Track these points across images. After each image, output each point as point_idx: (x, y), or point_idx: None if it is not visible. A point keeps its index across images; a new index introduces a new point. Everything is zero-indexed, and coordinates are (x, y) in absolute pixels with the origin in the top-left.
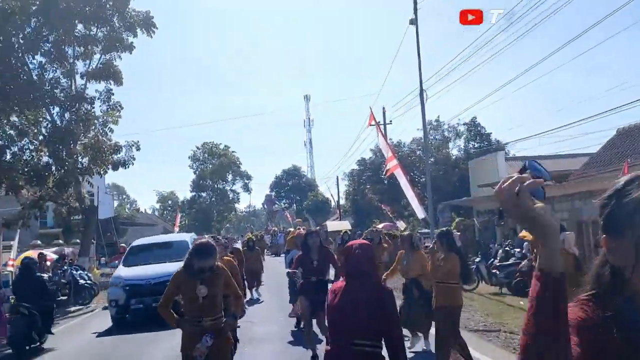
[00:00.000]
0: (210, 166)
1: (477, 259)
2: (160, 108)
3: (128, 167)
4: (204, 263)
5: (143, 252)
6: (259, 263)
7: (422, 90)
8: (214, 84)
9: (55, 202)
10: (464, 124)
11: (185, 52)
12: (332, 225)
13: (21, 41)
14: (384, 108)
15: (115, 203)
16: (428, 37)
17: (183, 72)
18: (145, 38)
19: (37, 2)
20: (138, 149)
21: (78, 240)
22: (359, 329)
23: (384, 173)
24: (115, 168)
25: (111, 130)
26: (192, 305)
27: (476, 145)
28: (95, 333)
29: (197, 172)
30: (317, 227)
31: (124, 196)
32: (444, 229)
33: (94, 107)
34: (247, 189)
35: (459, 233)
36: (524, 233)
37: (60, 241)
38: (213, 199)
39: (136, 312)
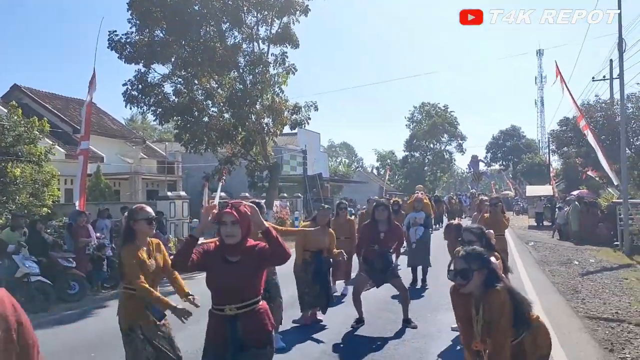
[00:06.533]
0: (426, 126)
1: None
2: (365, 66)
3: (303, 126)
4: None
5: None
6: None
7: (620, 40)
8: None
9: (244, 159)
10: None
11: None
12: (532, 189)
13: (205, 11)
14: (611, 61)
15: (338, 161)
16: None
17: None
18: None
19: None
20: (316, 109)
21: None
22: None
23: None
24: (292, 127)
25: (282, 91)
26: None
27: None
28: None
29: (412, 132)
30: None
31: (353, 155)
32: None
33: (268, 70)
34: (461, 149)
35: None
36: None
37: (247, 194)
38: (426, 158)
39: None
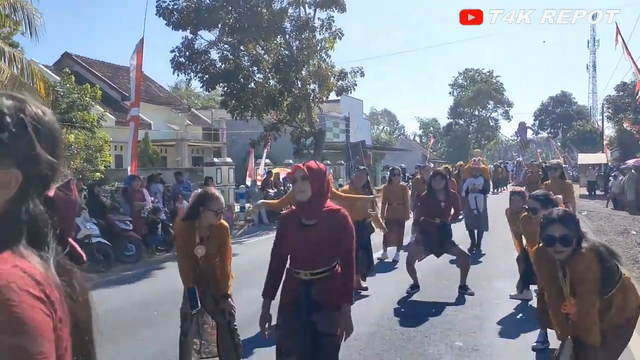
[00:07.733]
0: (471, 93)
1: None
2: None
3: (349, 93)
4: None
5: None
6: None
7: None
8: None
9: (290, 125)
10: None
11: None
12: (584, 158)
13: None
14: None
15: (380, 128)
16: None
17: None
18: None
19: None
20: (362, 75)
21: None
22: None
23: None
24: (338, 94)
25: (328, 57)
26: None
27: None
28: None
29: (456, 98)
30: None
31: (394, 122)
32: None
33: (314, 35)
34: (507, 116)
35: None
36: None
37: (292, 161)
38: (471, 126)
39: None
